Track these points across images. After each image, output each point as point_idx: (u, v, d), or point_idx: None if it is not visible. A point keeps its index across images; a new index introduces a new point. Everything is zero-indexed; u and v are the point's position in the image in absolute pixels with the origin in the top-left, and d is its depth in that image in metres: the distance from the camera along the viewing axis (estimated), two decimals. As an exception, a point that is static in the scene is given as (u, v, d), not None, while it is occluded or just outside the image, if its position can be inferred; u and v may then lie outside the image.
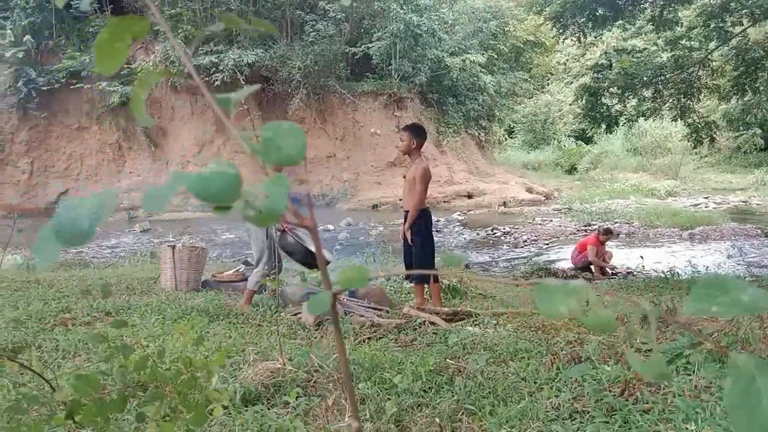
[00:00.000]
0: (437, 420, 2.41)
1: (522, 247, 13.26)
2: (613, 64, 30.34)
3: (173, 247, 6.54)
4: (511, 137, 37.04)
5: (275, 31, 0.65)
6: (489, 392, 2.99)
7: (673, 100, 8.75)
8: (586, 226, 15.09)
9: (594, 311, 0.40)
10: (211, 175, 0.44)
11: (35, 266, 5.01)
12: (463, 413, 2.58)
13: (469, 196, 21.30)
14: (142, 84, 0.56)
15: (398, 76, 21.20)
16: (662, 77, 8.58)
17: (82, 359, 3.51)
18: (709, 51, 8.48)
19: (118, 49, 0.49)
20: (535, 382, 3.34)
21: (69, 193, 20.81)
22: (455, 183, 21.89)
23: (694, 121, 9.23)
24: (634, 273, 9.35)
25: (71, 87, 20.16)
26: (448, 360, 3.63)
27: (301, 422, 2.23)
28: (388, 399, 2.56)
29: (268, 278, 4.92)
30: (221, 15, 0.57)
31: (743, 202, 20.01)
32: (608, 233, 9.59)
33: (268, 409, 2.40)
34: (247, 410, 2.37)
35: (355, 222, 16.94)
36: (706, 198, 20.89)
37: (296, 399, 2.45)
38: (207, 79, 19.53)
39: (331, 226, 16.22)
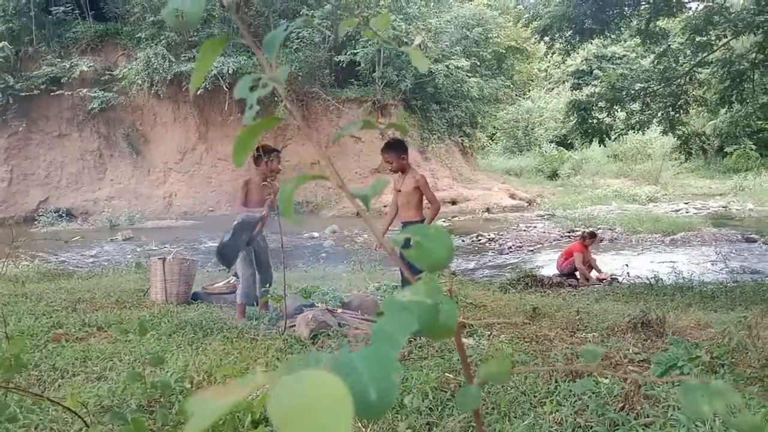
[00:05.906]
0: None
1: (507, 253, 13.34)
2: (594, 71, 30.66)
3: (163, 260, 6.49)
4: (493, 143, 37.25)
5: (407, 130, 0.66)
6: (493, 408, 3.02)
7: (662, 113, 8.84)
8: (569, 232, 15.24)
9: (744, 415, 0.42)
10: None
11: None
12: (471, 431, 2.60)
13: (453, 203, 21.41)
14: (256, 131, 0.54)
15: (382, 83, 21.27)
16: (650, 90, 8.68)
17: (81, 379, 3.47)
18: (693, 64, 8.59)
19: (251, 142, 0.51)
20: (534, 396, 3.38)
21: (49, 202, 20.52)
22: (439, 189, 21.98)
23: (683, 133, 9.33)
24: (619, 280, 9.43)
25: (51, 94, 19.91)
26: (447, 374, 3.65)
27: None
28: (399, 419, 2.57)
29: (267, 295, 4.91)
30: (364, 120, 0.58)
31: (723, 207, 20.32)
32: (593, 236, 9.75)
33: None
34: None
35: (340, 229, 16.92)
36: (687, 203, 21.18)
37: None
38: (188, 86, 19.42)
39: (316, 234, 16.19)
